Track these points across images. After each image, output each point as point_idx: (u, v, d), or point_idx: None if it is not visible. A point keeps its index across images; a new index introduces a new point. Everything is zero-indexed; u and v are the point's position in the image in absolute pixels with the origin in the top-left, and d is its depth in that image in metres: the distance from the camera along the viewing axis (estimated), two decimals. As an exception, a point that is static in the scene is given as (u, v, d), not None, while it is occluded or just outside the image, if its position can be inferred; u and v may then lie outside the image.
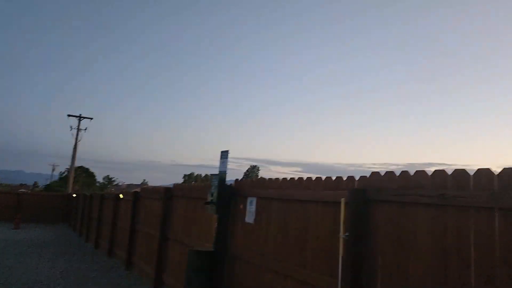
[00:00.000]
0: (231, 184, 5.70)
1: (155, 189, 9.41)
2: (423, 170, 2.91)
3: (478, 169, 2.54)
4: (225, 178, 5.58)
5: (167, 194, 8.06)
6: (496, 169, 2.47)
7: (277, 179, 4.76)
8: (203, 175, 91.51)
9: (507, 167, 2.38)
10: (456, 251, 2.60)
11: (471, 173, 2.59)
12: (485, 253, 2.43)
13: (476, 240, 2.49)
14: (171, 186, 8.33)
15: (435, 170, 2.81)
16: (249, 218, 5.11)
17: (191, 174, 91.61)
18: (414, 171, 2.99)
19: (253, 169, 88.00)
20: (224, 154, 5.60)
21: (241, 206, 5.37)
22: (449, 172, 2.72)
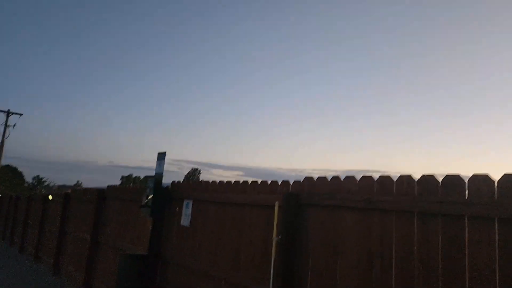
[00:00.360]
0: (167, 186, 5.58)
1: (88, 191, 8.98)
2: (353, 176, 3.04)
3: (401, 175, 2.70)
4: (161, 180, 5.45)
5: (100, 196, 7.72)
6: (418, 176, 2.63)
7: (214, 182, 4.73)
8: (142, 177, 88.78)
9: (425, 173, 2.55)
10: (380, 253, 2.74)
11: (395, 179, 2.75)
12: (405, 255, 2.58)
13: (398, 242, 2.64)
14: (102, 188, 7.99)
15: (363, 176, 2.94)
16: (185, 221, 5.04)
17: (130, 176, 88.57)
18: (344, 176, 3.11)
19: (195, 172, 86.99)
20: (161, 156, 5.48)
21: (177, 209, 5.27)
22: (376, 178, 2.86)
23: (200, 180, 5.15)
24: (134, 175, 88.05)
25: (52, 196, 11.53)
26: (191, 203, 4.99)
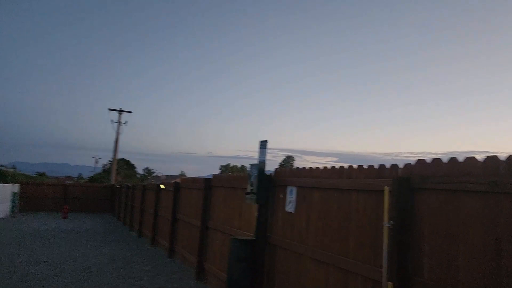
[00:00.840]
0: (270, 173, 5.72)
1: (195, 180, 9.60)
2: (473, 156, 2.81)
3: (534, 154, 2.42)
4: (264, 168, 5.61)
5: (207, 184, 8.21)
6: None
7: (317, 168, 4.74)
8: (239, 166, 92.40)
9: None
10: (510, 240, 2.50)
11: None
12: (542, 242, 2.32)
13: (532, 228, 2.39)
14: (208, 177, 8.47)
15: (487, 156, 2.70)
16: (289, 207, 5.13)
17: (227, 165, 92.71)
18: (463, 157, 2.89)
19: (288, 160, 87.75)
20: (263, 144, 5.63)
21: (281, 196, 5.39)
22: (502, 158, 2.61)
23: (302, 166, 5.18)
24: (231, 164, 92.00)
25: (163, 185, 12.58)
26: (294, 189, 5.07)
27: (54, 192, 26.92)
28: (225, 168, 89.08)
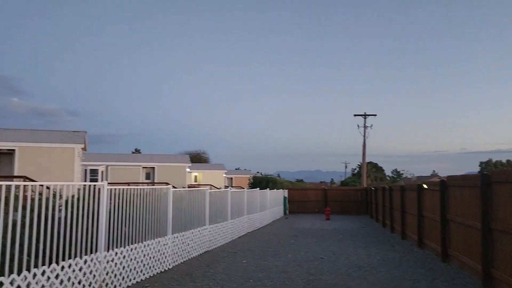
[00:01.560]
0: None
1: (465, 177, 8.70)
2: None
3: None
4: None
5: (485, 180, 7.27)
6: None
7: None
8: (503, 161, 78.94)
9: None
10: None
11: None
12: None
13: None
14: (471, 173, 7.48)
15: None
16: None
17: (489, 161, 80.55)
18: None
19: None
20: None
21: None
22: None
23: None
24: (494, 160, 79.66)
25: (426, 185, 11.92)
26: None
27: (315, 196, 29.68)
28: (485, 165, 77.83)
